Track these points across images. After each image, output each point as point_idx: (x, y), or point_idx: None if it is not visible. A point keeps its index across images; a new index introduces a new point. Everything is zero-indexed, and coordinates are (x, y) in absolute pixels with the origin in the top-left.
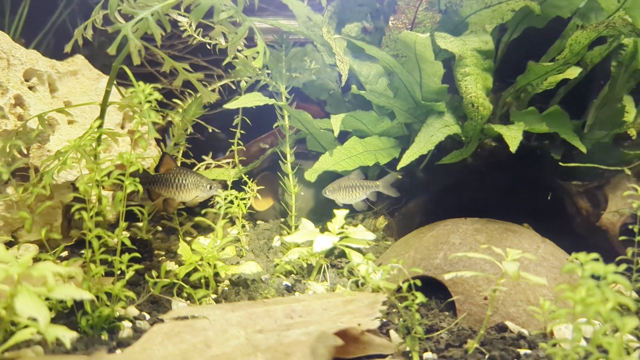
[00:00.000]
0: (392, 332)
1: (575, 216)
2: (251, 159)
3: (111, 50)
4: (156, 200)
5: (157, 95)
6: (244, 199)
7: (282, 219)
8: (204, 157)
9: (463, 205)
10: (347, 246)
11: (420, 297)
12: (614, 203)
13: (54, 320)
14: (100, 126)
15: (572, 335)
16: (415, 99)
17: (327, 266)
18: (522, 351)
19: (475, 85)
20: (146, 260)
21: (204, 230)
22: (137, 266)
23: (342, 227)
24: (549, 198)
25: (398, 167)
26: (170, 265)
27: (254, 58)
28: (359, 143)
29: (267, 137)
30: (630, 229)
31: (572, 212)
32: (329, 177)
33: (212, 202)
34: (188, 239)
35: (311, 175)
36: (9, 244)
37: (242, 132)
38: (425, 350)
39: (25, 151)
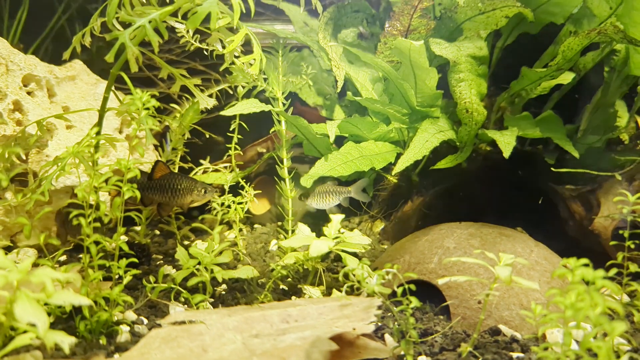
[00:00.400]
0: (387, 336)
1: (568, 220)
2: (248, 163)
3: (109, 57)
4: (149, 205)
5: (155, 103)
6: (241, 203)
7: (279, 223)
8: (201, 161)
9: (458, 209)
10: (343, 251)
11: (415, 302)
12: (606, 207)
13: (52, 325)
14: (98, 133)
15: (563, 339)
16: (410, 105)
17: (323, 270)
18: (514, 354)
19: (469, 91)
20: (144, 265)
21: (202, 234)
22: (134, 271)
23: (338, 232)
24: (539, 202)
25: (393, 172)
26: (167, 269)
27: (251, 65)
28: (354, 148)
29: (264, 141)
30: (621, 234)
31: (565, 216)
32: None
33: (208, 207)
34: (186, 243)
35: (307, 180)
36: (7, 249)
37: (239, 136)
38: (420, 354)
39: (24, 156)
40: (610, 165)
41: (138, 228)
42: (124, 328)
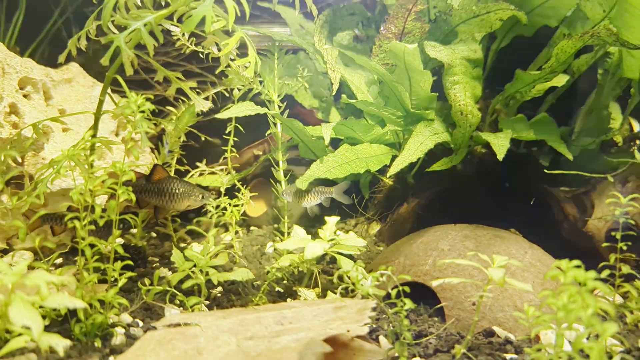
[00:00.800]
0: (381, 338)
1: (562, 222)
2: (244, 165)
3: (104, 60)
4: (145, 208)
5: (150, 106)
6: (237, 205)
7: (276, 225)
8: (197, 164)
9: (453, 211)
10: (338, 253)
11: (409, 304)
12: (599, 209)
13: (47, 328)
14: (93, 135)
15: (555, 341)
16: (405, 108)
17: (319, 273)
18: (508, 356)
19: (464, 93)
20: (140, 267)
21: (198, 236)
22: (129, 273)
23: (334, 234)
24: (532, 203)
25: (388, 175)
26: (163, 271)
27: (246, 67)
28: (350, 151)
29: (260, 144)
30: (614, 235)
31: (559, 218)
32: (322, 184)
33: (204, 209)
34: (182, 245)
35: (303, 183)
36: (3, 251)
37: (235, 139)
38: (414, 356)
39: (20, 159)
40: (604, 167)
41: (134, 231)
42: (119, 330)
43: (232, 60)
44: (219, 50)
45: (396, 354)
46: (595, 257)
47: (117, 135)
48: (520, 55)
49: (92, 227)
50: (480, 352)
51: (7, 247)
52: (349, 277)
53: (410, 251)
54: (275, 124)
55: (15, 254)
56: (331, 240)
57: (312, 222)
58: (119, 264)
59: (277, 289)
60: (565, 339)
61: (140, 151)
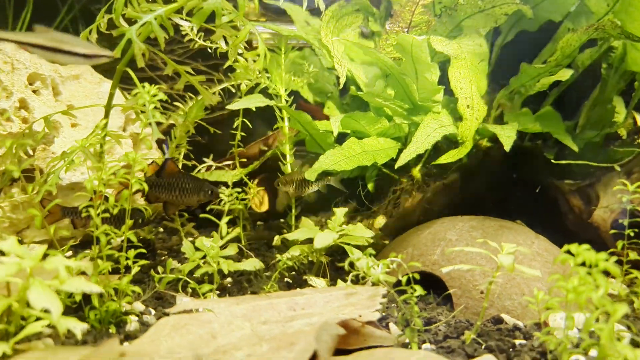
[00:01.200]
0: (391, 325)
1: (568, 213)
2: (251, 160)
3: (116, 53)
4: (155, 202)
5: (162, 96)
6: (244, 199)
7: (282, 220)
8: (204, 159)
9: (459, 204)
10: (346, 244)
11: (419, 290)
12: (605, 200)
13: (63, 315)
14: (105, 126)
15: (565, 323)
16: (412, 100)
17: (328, 264)
18: (517, 341)
19: (470, 86)
20: (149, 260)
21: (206, 230)
22: (142, 261)
23: (341, 225)
24: (537, 191)
25: (396, 166)
26: (173, 263)
27: (254, 61)
28: (357, 144)
29: (267, 139)
30: (621, 224)
31: (565, 210)
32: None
33: (209, 207)
34: (190, 239)
35: (311, 174)
36: None
37: (242, 134)
38: (424, 342)
39: (31, 152)
40: (608, 159)
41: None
42: (133, 318)
43: (240, 54)
44: (227, 44)
45: (406, 340)
46: (601, 248)
47: (124, 131)
48: (525, 50)
49: (107, 214)
50: (489, 338)
51: (18, 240)
52: (359, 265)
53: (418, 242)
54: (282, 118)
55: (27, 246)
56: (339, 231)
57: (318, 217)
58: (132, 252)
59: (286, 279)
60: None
61: (151, 143)
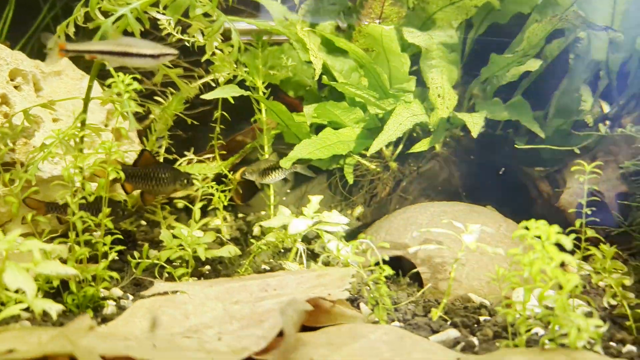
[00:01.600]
0: (362, 305)
1: (537, 199)
2: (231, 153)
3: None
4: (131, 192)
5: (137, 86)
6: (224, 191)
7: (263, 212)
8: (185, 152)
9: (434, 192)
10: (322, 230)
11: (388, 270)
12: (571, 184)
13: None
14: (84, 120)
15: (523, 297)
16: (384, 90)
17: (304, 249)
18: (482, 317)
19: (441, 76)
20: (130, 250)
21: (187, 223)
22: (119, 247)
23: (317, 212)
24: (500, 173)
25: (368, 154)
26: (153, 253)
27: (230, 52)
28: (333, 134)
29: (246, 132)
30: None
31: (534, 195)
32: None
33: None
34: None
35: (286, 162)
36: None
37: (221, 126)
38: (393, 320)
39: (11, 145)
40: (576, 145)
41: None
42: (110, 303)
43: (217, 48)
44: (204, 38)
45: (376, 319)
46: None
47: (106, 126)
48: (498, 44)
49: (83, 201)
50: (455, 315)
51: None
52: (329, 247)
53: (390, 227)
54: (260, 110)
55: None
56: (314, 217)
57: (298, 206)
58: (109, 238)
59: (263, 266)
60: (534, 297)
61: (128, 132)
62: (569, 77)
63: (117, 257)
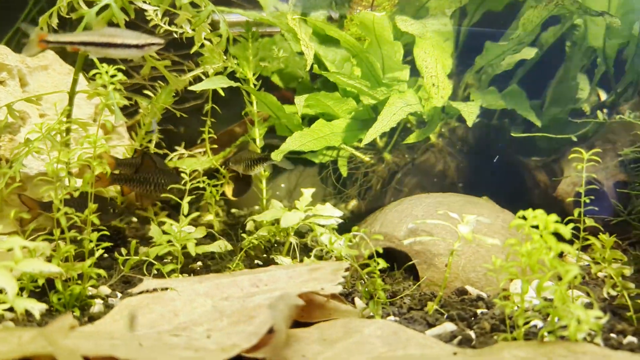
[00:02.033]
0: (357, 300)
1: (534, 188)
2: (224, 147)
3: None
4: (128, 195)
5: (121, 77)
6: (215, 185)
7: (256, 207)
8: (176, 147)
9: (429, 184)
10: (314, 223)
11: (382, 263)
12: (568, 174)
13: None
14: (69, 114)
15: (521, 289)
16: (377, 80)
17: (297, 244)
18: (479, 310)
19: (435, 65)
20: (119, 247)
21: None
22: (106, 244)
23: (310, 205)
24: (494, 160)
25: (362, 144)
26: (142, 250)
27: (218, 43)
28: (325, 125)
29: (238, 125)
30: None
31: (531, 185)
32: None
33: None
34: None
35: (277, 155)
36: None
37: (212, 120)
38: (388, 315)
39: None
40: (573, 134)
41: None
42: (98, 301)
43: (206, 39)
44: (193, 30)
45: (371, 313)
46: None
47: (94, 121)
48: (492, 32)
49: (67, 196)
50: (452, 308)
51: None
52: (322, 241)
53: (385, 219)
54: (251, 102)
55: None
56: (307, 210)
57: (291, 202)
58: (95, 235)
59: (256, 261)
60: (532, 289)
61: (114, 125)
62: (565, 65)
63: (106, 255)
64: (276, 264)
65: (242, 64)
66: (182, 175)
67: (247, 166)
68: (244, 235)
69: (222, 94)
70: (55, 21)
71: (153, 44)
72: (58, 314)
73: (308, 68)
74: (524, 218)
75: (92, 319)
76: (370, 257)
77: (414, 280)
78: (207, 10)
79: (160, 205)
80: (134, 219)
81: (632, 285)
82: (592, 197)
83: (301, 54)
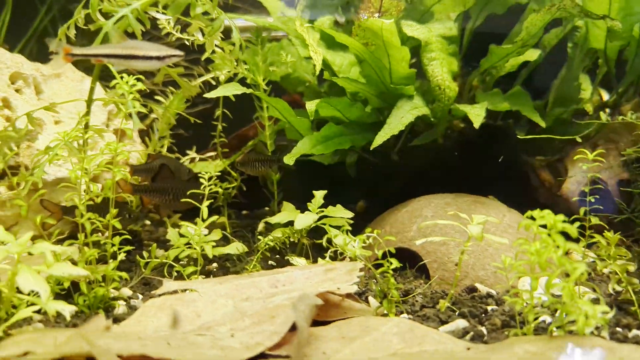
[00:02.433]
0: (370, 299)
1: (539, 188)
2: (235, 150)
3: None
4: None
5: (141, 86)
6: (227, 188)
7: (266, 208)
8: (187, 151)
9: (436, 184)
10: (327, 224)
11: (395, 263)
12: (573, 173)
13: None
14: (87, 121)
15: (530, 286)
16: (385, 84)
17: (310, 244)
18: (489, 307)
19: (441, 69)
20: (136, 249)
21: (192, 221)
22: (128, 247)
23: (321, 207)
24: (499, 161)
25: (371, 148)
26: (159, 252)
27: (231, 51)
28: (334, 129)
29: (248, 129)
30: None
31: (536, 185)
32: (310, 163)
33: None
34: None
35: (290, 159)
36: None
37: (223, 124)
38: (402, 312)
39: (15, 148)
40: (576, 135)
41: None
42: (121, 302)
43: (217, 46)
44: (204, 37)
45: (385, 312)
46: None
47: (107, 127)
48: (496, 36)
49: (91, 202)
50: (463, 305)
51: None
52: (336, 242)
53: (395, 220)
54: (261, 107)
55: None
56: (319, 212)
57: (301, 203)
58: (117, 239)
59: (270, 262)
60: (540, 286)
61: (132, 132)
62: (567, 66)
63: (124, 258)
64: (291, 264)
65: (252, 69)
66: (201, 180)
67: (254, 167)
68: (259, 237)
69: (233, 99)
70: (72, 32)
71: (173, 55)
72: (83, 315)
73: (317, 73)
74: (533, 218)
75: (117, 320)
76: (384, 257)
77: (425, 279)
78: (221, 19)
79: None
80: (148, 222)
81: (636, 281)
82: (597, 196)
83: (308, 58)
